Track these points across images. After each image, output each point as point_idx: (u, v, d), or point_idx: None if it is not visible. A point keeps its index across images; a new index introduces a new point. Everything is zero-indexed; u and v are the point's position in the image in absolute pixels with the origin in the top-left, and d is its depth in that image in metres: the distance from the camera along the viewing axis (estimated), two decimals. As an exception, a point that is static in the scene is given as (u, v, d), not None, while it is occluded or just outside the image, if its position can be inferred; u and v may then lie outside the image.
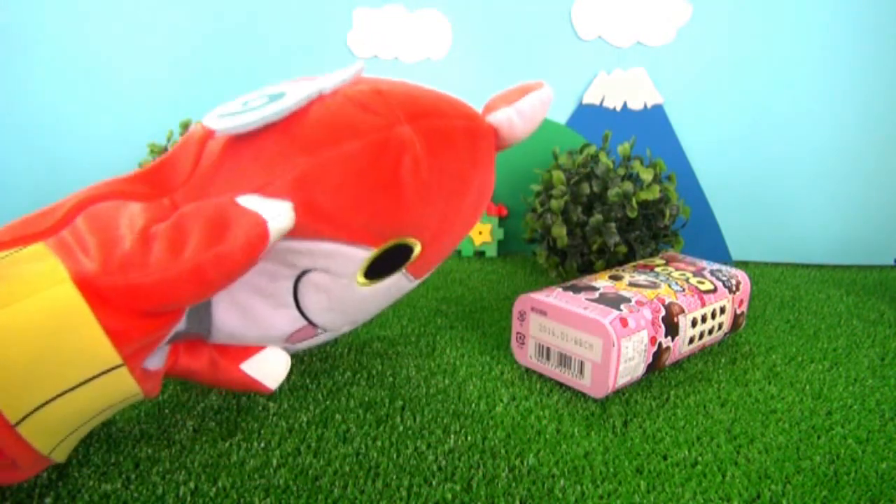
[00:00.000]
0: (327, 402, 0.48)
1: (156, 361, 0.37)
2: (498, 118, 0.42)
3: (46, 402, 0.29)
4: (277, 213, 0.32)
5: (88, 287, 0.30)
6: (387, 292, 0.44)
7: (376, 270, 0.41)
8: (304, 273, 0.39)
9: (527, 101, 0.43)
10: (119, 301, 0.30)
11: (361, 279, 0.40)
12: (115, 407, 0.35)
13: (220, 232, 0.31)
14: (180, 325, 0.37)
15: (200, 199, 0.35)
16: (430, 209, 0.38)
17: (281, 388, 0.50)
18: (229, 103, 0.38)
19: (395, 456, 0.41)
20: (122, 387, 0.32)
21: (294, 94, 0.35)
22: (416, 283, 0.47)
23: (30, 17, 0.89)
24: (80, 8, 0.88)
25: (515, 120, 0.42)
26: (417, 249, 0.41)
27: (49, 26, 0.89)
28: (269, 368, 0.43)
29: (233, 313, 0.39)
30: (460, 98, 0.43)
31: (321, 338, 0.47)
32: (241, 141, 0.36)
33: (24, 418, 0.29)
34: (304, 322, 0.42)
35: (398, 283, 0.44)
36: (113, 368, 0.31)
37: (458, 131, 0.39)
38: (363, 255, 0.38)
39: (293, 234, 0.35)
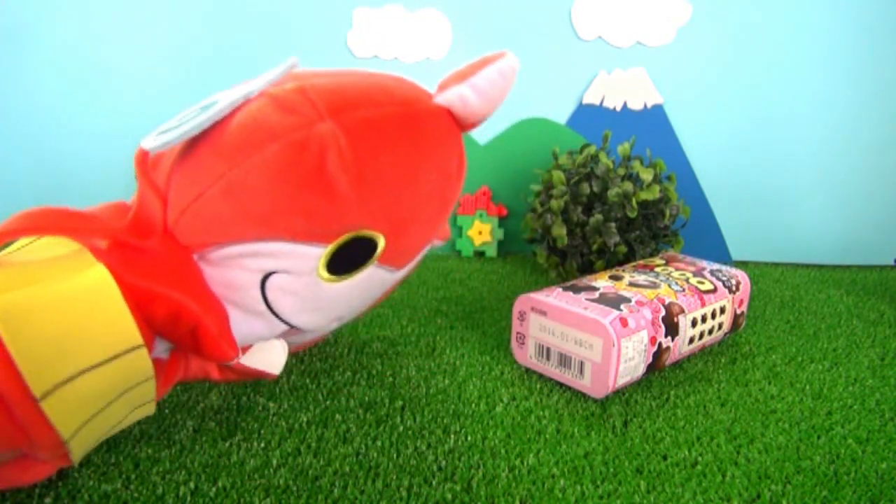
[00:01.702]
0: (327, 402, 0.48)
1: (160, 350, 0.38)
2: (448, 98, 0.40)
3: (70, 378, 0.30)
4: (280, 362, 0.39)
5: (115, 275, 0.32)
6: (367, 286, 0.43)
7: (343, 265, 0.40)
8: (266, 278, 0.39)
9: (482, 74, 0.40)
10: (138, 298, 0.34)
11: (325, 275, 0.39)
12: (130, 400, 0.35)
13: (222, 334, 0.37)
14: None
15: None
16: (375, 201, 0.38)
17: (281, 387, 0.50)
18: (169, 121, 0.38)
19: (395, 456, 0.41)
20: (140, 369, 0.33)
21: (222, 101, 0.36)
22: (403, 273, 0.46)
23: (30, 16, 0.89)
24: (80, 7, 0.88)
25: (469, 97, 0.40)
26: (382, 241, 0.40)
27: (48, 25, 0.89)
28: (267, 358, 0.43)
29: None
30: (413, 82, 0.42)
31: (313, 334, 0.47)
32: (182, 158, 0.37)
33: (48, 393, 0.29)
34: (285, 326, 0.42)
35: (376, 276, 0.43)
36: (134, 349, 0.32)
37: (391, 120, 0.38)
38: (316, 252, 0.38)
39: (235, 239, 0.36)
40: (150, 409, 0.38)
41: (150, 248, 0.35)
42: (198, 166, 0.36)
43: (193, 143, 0.37)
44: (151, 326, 0.35)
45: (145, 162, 0.36)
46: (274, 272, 0.38)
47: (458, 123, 0.42)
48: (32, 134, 0.92)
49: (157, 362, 0.37)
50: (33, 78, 0.91)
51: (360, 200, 0.37)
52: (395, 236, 0.40)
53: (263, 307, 0.39)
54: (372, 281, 0.43)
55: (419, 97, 0.40)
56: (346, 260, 0.40)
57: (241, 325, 0.40)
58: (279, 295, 0.39)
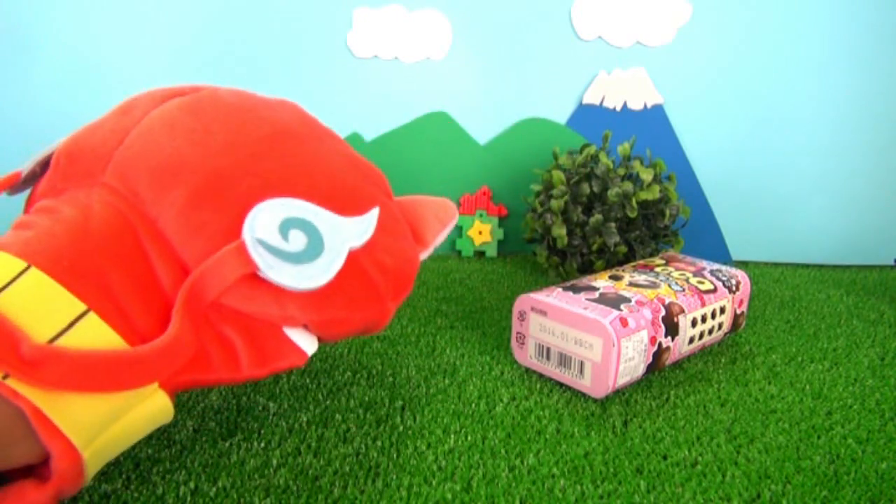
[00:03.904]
0: (327, 402, 0.48)
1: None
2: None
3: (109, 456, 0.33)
4: (312, 346, 0.38)
5: (167, 385, 0.33)
6: None
7: None
8: None
9: (438, 239, 0.47)
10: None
11: None
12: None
13: (272, 357, 0.37)
14: None
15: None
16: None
17: (281, 388, 0.50)
18: (262, 223, 0.36)
19: (395, 456, 0.41)
20: (166, 419, 0.36)
21: (332, 254, 0.37)
22: None
23: (32, 16, 0.89)
24: (80, 7, 0.88)
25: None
26: None
27: (51, 26, 0.89)
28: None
29: None
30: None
31: None
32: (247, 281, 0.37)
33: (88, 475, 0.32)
34: None
35: None
36: (168, 413, 0.35)
37: (358, 324, 0.41)
38: None
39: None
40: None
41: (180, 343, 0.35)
42: (276, 288, 0.36)
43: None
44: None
45: (195, 300, 0.34)
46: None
47: None
48: (32, 134, 0.92)
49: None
50: (33, 78, 0.91)
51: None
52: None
53: None
54: None
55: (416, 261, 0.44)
56: None
57: None
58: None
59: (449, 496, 0.37)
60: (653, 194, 0.73)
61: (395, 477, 0.39)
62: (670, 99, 0.91)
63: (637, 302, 0.51)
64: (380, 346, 0.59)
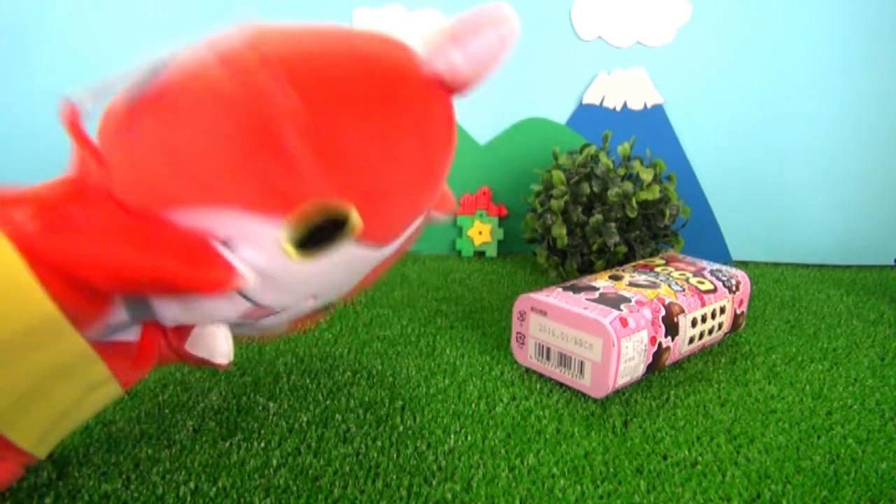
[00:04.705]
0: (327, 402, 0.48)
1: (130, 332, 0.36)
2: (436, 66, 0.37)
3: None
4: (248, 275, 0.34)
5: (29, 251, 0.30)
6: (345, 266, 0.40)
7: (310, 241, 0.36)
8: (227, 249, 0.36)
9: (482, 42, 0.37)
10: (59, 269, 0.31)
11: (292, 252, 0.36)
12: (74, 381, 0.33)
13: (196, 266, 0.33)
14: (123, 315, 0.35)
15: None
16: (342, 171, 0.35)
17: (281, 388, 0.50)
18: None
19: (395, 456, 0.41)
20: (69, 344, 0.32)
21: (160, 56, 0.33)
22: (390, 250, 0.42)
23: (32, 16, 0.89)
24: (82, 8, 0.88)
25: (462, 67, 0.37)
26: (354, 215, 0.36)
27: (51, 26, 0.89)
28: (207, 346, 0.40)
29: (172, 304, 0.37)
30: (396, 42, 0.39)
31: (288, 313, 0.43)
32: (122, 120, 0.35)
33: None
34: (248, 304, 0.38)
35: (356, 254, 0.39)
36: (49, 321, 0.30)
37: (371, 99, 0.35)
38: (277, 224, 0.35)
39: (179, 203, 0.33)
40: (115, 390, 0.35)
41: (87, 212, 0.32)
42: (137, 127, 0.34)
43: (132, 106, 0.34)
44: (96, 295, 0.32)
45: (78, 122, 0.33)
46: (234, 246, 0.35)
47: (446, 87, 0.39)
48: (32, 134, 0.92)
49: (124, 344, 0.36)
50: (33, 78, 0.91)
51: (323, 169, 0.34)
52: (371, 210, 0.37)
53: None
54: (350, 260, 0.39)
55: (398, 63, 0.37)
56: (314, 235, 0.36)
57: (202, 304, 0.37)
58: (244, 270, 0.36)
59: (449, 496, 0.37)
60: (653, 194, 0.73)
61: (395, 477, 0.39)
62: (670, 99, 0.91)
63: (637, 302, 0.51)
64: (380, 346, 0.59)
